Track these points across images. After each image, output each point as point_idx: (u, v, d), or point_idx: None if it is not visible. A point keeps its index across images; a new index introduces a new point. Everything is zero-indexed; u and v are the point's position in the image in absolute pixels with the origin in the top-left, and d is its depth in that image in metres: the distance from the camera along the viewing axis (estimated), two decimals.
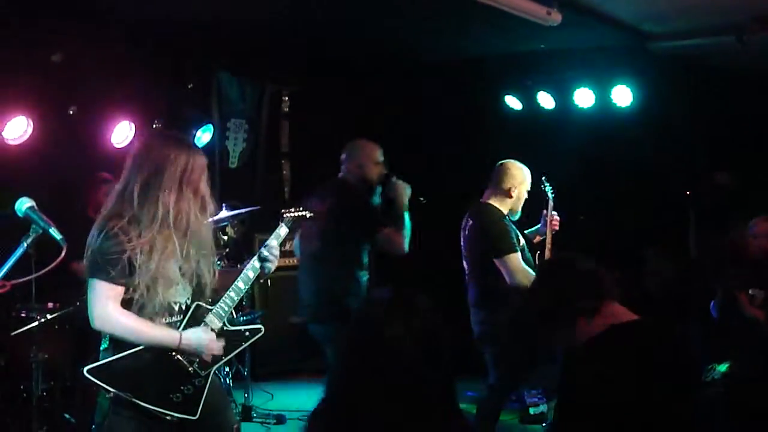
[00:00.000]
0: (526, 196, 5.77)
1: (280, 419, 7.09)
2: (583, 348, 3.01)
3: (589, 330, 3.01)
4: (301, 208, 4.49)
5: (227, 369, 7.01)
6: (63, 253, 3.26)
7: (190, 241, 3.68)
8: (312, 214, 4.62)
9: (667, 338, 3.03)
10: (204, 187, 3.72)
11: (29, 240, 3.31)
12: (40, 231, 3.34)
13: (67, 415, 6.15)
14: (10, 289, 3.19)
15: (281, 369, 8.35)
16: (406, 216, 5.67)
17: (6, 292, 3.18)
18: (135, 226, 3.54)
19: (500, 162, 5.81)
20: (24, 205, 3.40)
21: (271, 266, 4.01)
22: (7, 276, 3.19)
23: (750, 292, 5.78)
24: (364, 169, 5.85)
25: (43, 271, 3.28)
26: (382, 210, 5.82)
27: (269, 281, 8.36)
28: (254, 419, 7.11)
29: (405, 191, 5.74)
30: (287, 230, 4.25)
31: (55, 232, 3.34)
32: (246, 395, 7.22)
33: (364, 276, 5.76)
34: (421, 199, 8.21)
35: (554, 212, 6.04)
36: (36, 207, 3.40)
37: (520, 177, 5.73)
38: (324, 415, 2.48)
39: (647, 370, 2.84)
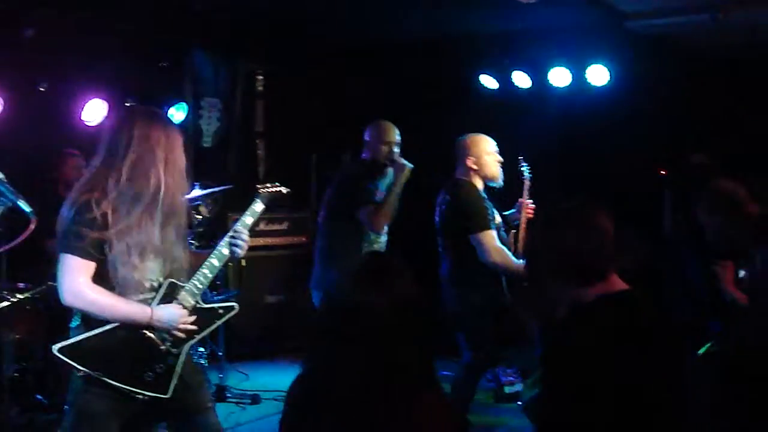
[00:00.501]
0: (497, 162, 5.74)
1: (255, 399, 7.05)
2: (567, 319, 2.96)
3: (582, 297, 2.93)
4: (277, 184, 4.44)
5: (202, 349, 6.97)
6: (32, 226, 3.21)
7: (169, 217, 3.63)
8: (289, 190, 4.58)
9: (654, 309, 2.98)
10: (183, 163, 3.68)
11: None
12: (10, 204, 3.30)
13: (39, 396, 6.10)
14: None
15: (256, 349, 8.31)
16: (395, 196, 5.67)
17: None
18: (113, 201, 3.49)
19: (459, 138, 5.82)
20: None
21: (240, 251, 3.93)
22: None
23: (741, 274, 5.69)
24: (372, 148, 5.91)
25: (12, 244, 3.24)
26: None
27: (244, 261, 8.32)
28: (229, 399, 7.06)
29: (403, 172, 5.71)
30: (263, 206, 4.18)
31: (24, 205, 3.30)
32: (221, 375, 7.18)
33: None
34: None
35: (529, 200, 6.03)
36: (5, 179, 3.35)
37: (480, 146, 5.71)
38: (304, 381, 2.46)
39: (633, 342, 2.81)
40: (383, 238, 5.82)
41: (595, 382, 2.73)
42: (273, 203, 4.50)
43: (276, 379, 7.22)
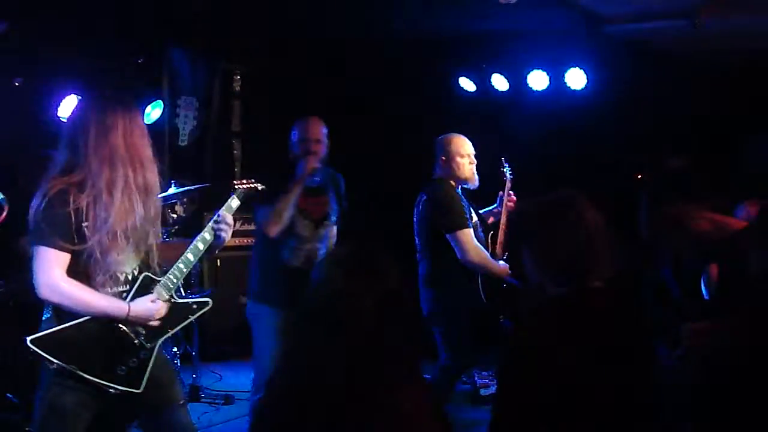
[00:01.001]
0: (472, 163, 5.74)
1: (228, 399, 7.01)
2: (533, 315, 2.94)
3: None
4: (252, 180, 4.42)
5: (175, 349, 6.92)
6: (5, 213, 3.18)
7: (139, 208, 3.58)
8: (264, 187, 4.55)
9: (626, 306, 2.96)
10: (147, 151, 3.63)
11: None
12: None
13: (10, 395, 6.01)
14: None
15: (230, 350, 8.25)
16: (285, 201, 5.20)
17: None
18: (83, 190, 3.44)
19: (436, 139, 5.81)
20: None
21: (225, 236, 3.93)
22: None
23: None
24: (294, 145, 5.51)
25: None
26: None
27: (218, 261, 8.27)
28: (202, 399, 7.02)
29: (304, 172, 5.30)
30: (239, 202, 4.19)
31: None
32: (194, 375, 7.13)
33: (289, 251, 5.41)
34: None
35: (511, 192, 6.04)
36: None
37: (455, 146, 5.71)
38: (284, 374, 2.43)
39: (599, 339, 2.78)
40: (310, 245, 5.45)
41: (540, 382, 2.70)
42: (249, 200, 4.49)
43: (250, 380, 7.15)
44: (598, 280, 2.89)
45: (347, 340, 2.32)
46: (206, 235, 3.89)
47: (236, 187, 4.27)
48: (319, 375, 2.34)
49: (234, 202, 4.15)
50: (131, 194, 3.52)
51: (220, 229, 3.92)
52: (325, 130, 5.52)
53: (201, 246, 3.87)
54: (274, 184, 5.00)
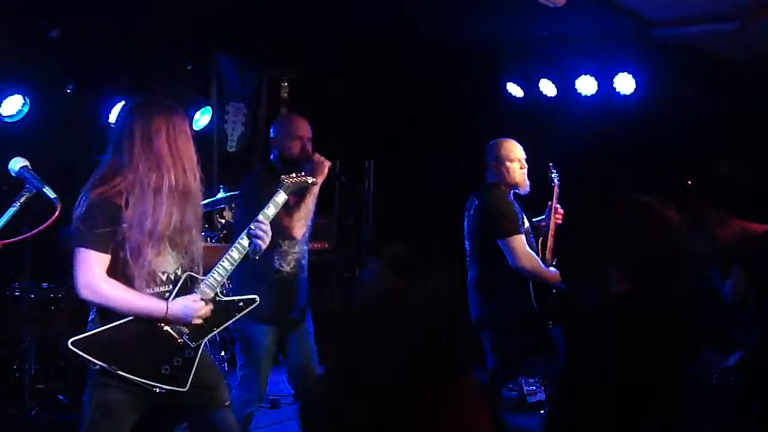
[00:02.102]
0: (523, 168, 5.69)
1: (274, 404, 7.02)
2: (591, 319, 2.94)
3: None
4: (303, 174, 4.41)
5: (222, 353, 6.96)
6: (57, 212, 3.23)
7: (184, 207, 3.62)
8: (314, 180, 4.53)
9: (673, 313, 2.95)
10: (191, 156, 3.66)
11: (22, 199, 3.29)
12: (34, 190, 3.31)
13: (60, 396, 6.11)
14: (1, 248, 3.16)
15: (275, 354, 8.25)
16: (310, 198, 4.96)
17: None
18: (123, 194, 3.49)
19: (488, 143, 5.79)
20: (18, 164, 3.39)
21: (261, 243, 3.91)
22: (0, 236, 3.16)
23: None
24: (279, 144, 5.25)
25: (38, 229, 3.26)
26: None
27: None
28: None
29: (321, 169, 5.00)
30: (285, 197, 4.18)
31: (49, 191, 3.32)
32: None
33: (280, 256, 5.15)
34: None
35: (558, 205, 5.99)
36: (30, 167, 3.37)
37: (506, 150, 5.67)
38: (334, 375, 2.43)
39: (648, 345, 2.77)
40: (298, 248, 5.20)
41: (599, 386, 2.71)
42: (298, 193, 4.45)
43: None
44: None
45: (401, 339, 2.32)
46: (242, 242, 3.88)
47: (284, 181, 4.23)
48: (371, 374, 2.34)
49: (280, 197, 4.14)
50: (171, 197, 3.56)
51: (257, 236, 3.90)
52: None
53: (245, 242, 3.88)
54: (263, 182, 4.86)
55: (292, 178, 4.30)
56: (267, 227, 3.94)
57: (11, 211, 3.23)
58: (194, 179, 3.66)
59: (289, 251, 5.13)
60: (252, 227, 3.91)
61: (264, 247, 3.93)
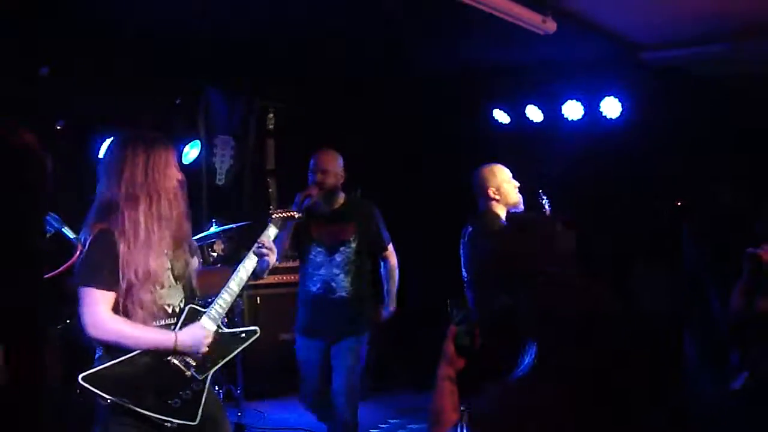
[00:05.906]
0: (515, 188, 5.75)
1: None
2: None
3: None
4: (290, 209, 4.51)
5: (217, 388, 6.90)
6: (78, 252, 3.22)
7: (179, 239, 3.66)
8: (300, 215, 4.63)
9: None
10: (169, 183, 3.66)
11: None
12: (53, 231, 3.30)
13: None
14: None
15: (271, 387, 8.22)
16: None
17: None
18: (120, 230, 3.50)
19: (476, 170, 5.82)
20: None
21: (269, 259, 4.00)
22: None
23: None
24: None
25: (59, 270, 3.25)
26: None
27: (258, 298, 8.27)
28: None
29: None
30: (276, 231, 4.25)
31: (68, 231, 3.31)
32: (239, 414, 7.10)
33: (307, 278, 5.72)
34: None
35: None
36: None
37: (501, 174, 5.74)
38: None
39: None
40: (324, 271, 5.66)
41: None
42: (286, 229, 4.52)
43: (293, 417, 7.15)
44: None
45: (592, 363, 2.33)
46: (249, 261, 3.94)
47: (273, 216, 4.34)
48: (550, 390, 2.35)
49: (271, 231, 4.21)
50: (156, 227, 3.57)
51: (263, 253, 3.98)
52: (338, 161, 5.70)
53: (244, 275, 3.91)
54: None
55: (280, 213, 4.40)
56: (270, 244, 4.03)
57: None
58: (172, 206, 3.65)
59: (314, 274, 5.64)
60: (258, 245, 3.99)
61: (271, 263, 4.02)
